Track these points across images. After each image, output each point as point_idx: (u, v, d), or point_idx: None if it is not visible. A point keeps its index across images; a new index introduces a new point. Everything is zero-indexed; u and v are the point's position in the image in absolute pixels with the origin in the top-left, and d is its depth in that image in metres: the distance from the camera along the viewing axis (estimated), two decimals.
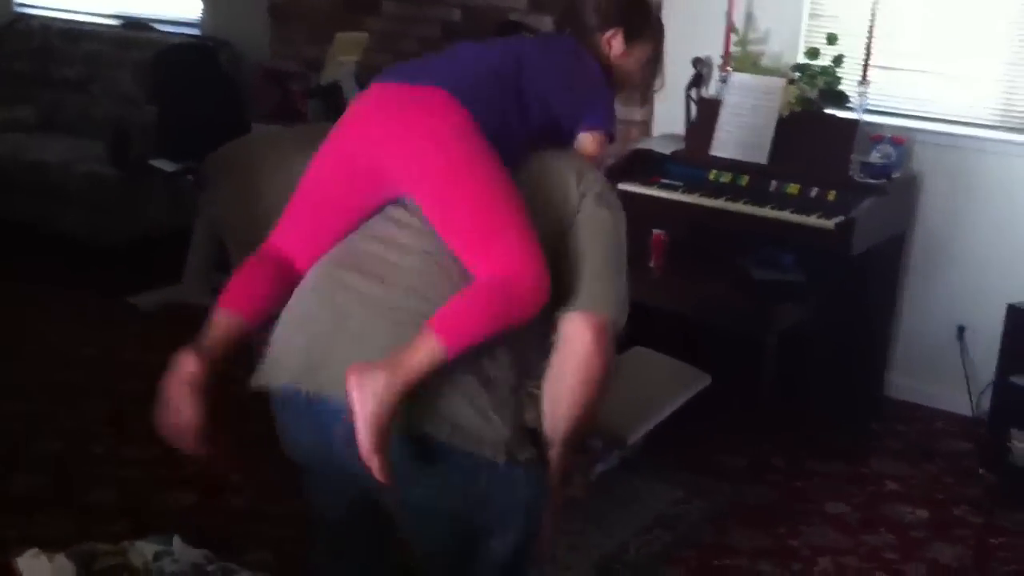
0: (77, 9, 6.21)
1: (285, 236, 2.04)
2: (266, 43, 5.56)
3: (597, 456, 3.24)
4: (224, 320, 1.96)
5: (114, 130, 4.93)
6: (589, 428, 2.00)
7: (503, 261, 1.82)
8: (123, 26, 5.91)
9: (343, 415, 1.74)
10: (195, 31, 5.85)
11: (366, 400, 1.71)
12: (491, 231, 1.84)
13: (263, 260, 2.03)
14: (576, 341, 1.87)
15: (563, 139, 2.12)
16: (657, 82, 2.36)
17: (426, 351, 1.74)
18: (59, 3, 6.29)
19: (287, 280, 2.00)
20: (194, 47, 5.35)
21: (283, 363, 1.89)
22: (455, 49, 2.14)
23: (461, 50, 2.13)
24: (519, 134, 2.01)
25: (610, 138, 2.21)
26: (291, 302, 1.96)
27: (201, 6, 5.86)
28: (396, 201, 1.95)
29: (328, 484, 2.01)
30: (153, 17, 5.97)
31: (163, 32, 5.79)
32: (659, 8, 2.42)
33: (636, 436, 3.06)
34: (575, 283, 1.89)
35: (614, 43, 2.23)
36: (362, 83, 4.96)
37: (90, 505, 3.17)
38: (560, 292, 1.88)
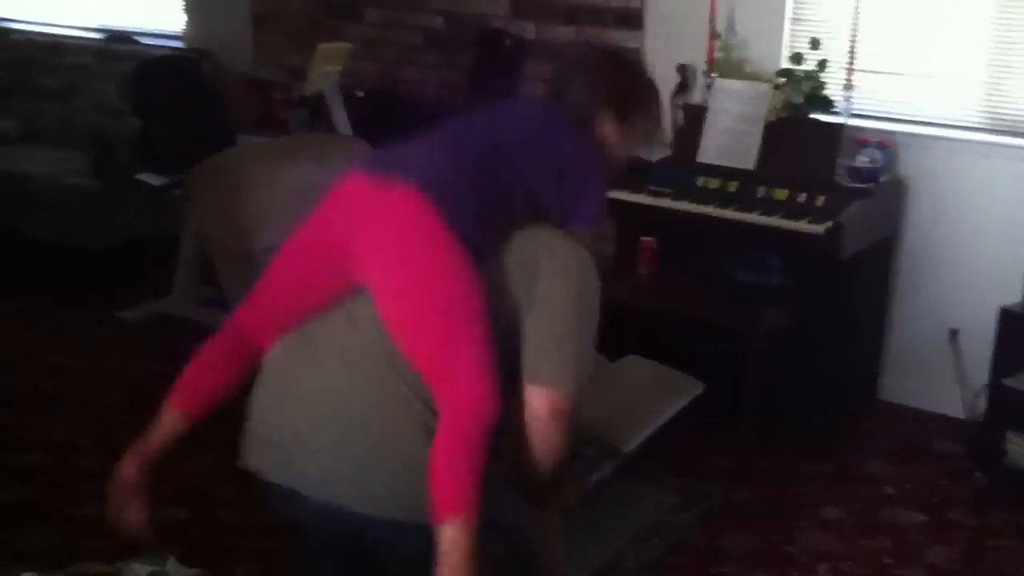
0: (60, 23, 6.19)
1: (252, 312, 2.08)
2: (249, 53, 5.54)
3: (592, 465, 3.21)
4: (170, 419, 2.06)
5: (97, 142, 4.90)
6: (555, 472, 2.03)
7: (456, 387, 1.84)
8: (106, 39, 5.87)
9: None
10: (178, 43, 5.82)
11: None
12: (446, 356, 1.86)
13: (223, 339, 2.08)
14: (533, 416, 1.92)
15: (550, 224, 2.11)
16: (657, 135, 2.36)
17: (454, 540, 1.76)
18: (42, 17, 6.26)
19: (246, 357, 2.06)
20: (177, 58, 5.32)
21: (260, 457, 2.00)
22: (436, 135, 2.11)
23: (442, 137, 2.10)
24: (498, 223, 2.01)
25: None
26: (259, 388, 2.02)
27: (184, 18, 5.83)
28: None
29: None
30: (136, 30, 5.94)
31: (146, 45, 5.76)
32: (648, 68, 2.38)
33: (631, 447, 3.04)
34: (537, 355, 1.92)
35: (608, 130, 2.19)
36: (346, 93, 4.95)
37: (76, 519, 3.13)
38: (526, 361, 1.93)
